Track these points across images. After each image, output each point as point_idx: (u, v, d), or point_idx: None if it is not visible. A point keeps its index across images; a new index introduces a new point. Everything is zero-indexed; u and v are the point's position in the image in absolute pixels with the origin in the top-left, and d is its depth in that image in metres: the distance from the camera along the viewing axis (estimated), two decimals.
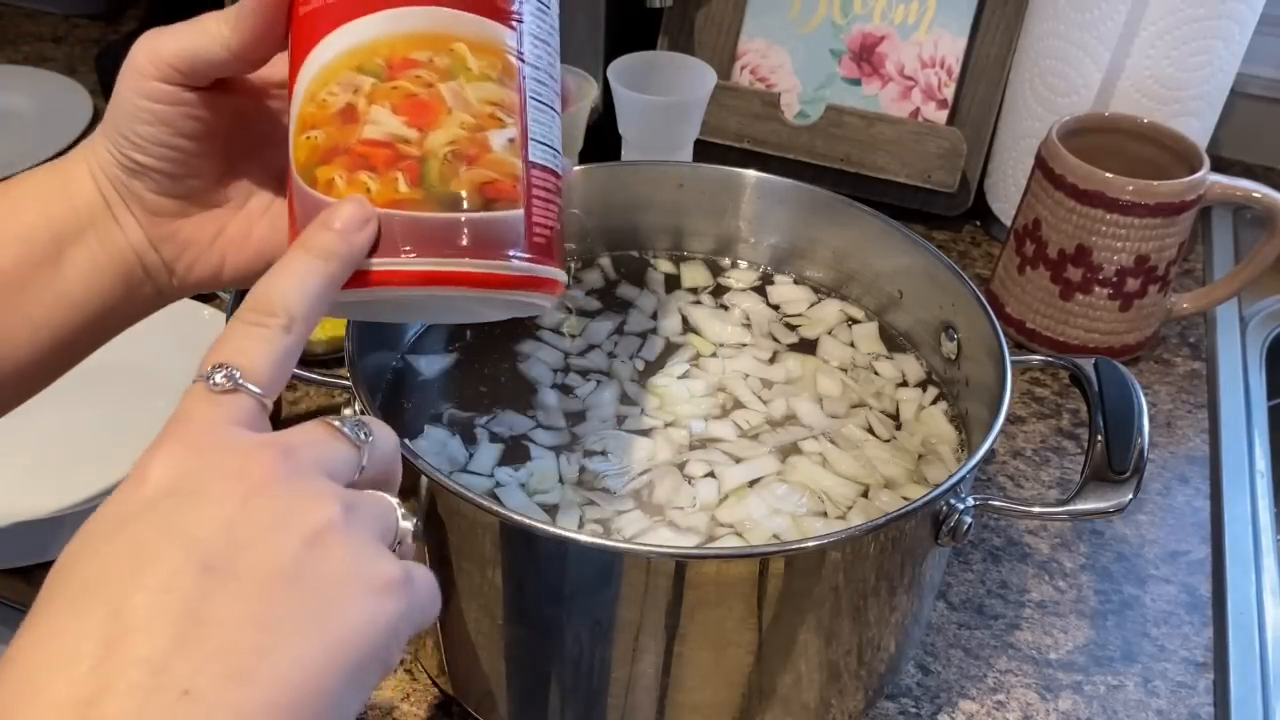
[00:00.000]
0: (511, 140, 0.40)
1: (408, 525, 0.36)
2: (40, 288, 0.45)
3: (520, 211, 0.40)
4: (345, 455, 0.35)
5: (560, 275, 0.42)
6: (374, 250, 0.39)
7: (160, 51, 0.43)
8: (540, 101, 0.42)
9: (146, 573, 0.30)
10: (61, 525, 0.61)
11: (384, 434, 0.37)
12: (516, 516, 0.45)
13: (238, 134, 0.47)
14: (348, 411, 0.54)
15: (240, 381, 0.34)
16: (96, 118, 1.01)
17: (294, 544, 0.31)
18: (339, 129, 0.39)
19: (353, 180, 0.39)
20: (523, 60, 0.41)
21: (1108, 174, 0.75)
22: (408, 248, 0.39)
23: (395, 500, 0.36)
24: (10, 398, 0.47)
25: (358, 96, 0.39)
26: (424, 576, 0.35)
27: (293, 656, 0.30)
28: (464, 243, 0.39)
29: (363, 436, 0.36)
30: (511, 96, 0.40)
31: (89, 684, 0.28)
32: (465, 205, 0.39)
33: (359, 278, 0.39)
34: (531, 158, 0.41)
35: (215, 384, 0.34)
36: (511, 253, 0.40)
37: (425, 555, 0.51)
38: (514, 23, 0.41)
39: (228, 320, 0.56)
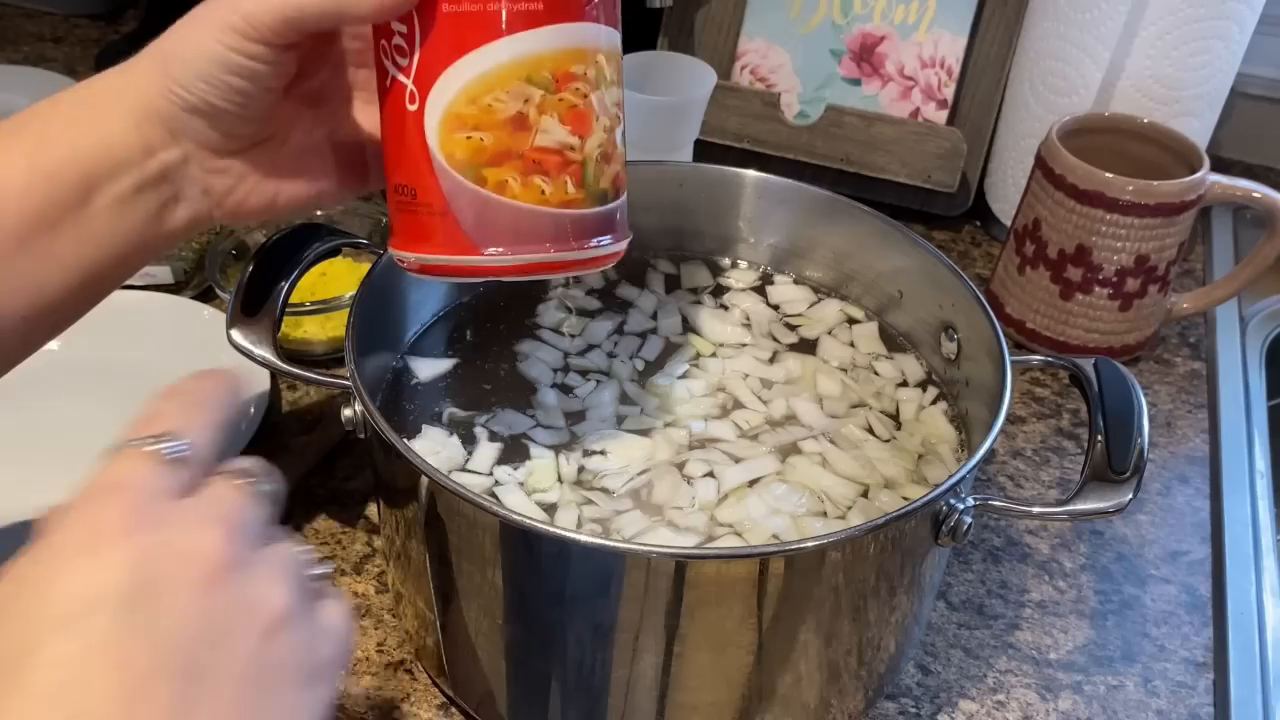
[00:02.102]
0: (623, 133, 0.48)
1: (319, 570, 0.36)
2: (69, 227, 0.45)
3: (625, 194, 0.49)
4: (264, 513, 0.35)
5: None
6: (545, 239, 0.46)
7: (261, 16, 0.43)
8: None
9: (119, 680, 0.28)
10: None
11: (275, 473, 0.37)
12: (516, 517, 0.45)
13: (305, 71, 0.48)
14: (348, 412, 0.54)
15: (182, 454, 0.34)
16: None
17: (253, 640, 0.31)
18: (510, 135, 0.44)
19: (528, 183, 0.45)
20: (621, 60, 0.47)
21: (1108, 174, 0.75)
22: (573, 240, 0.46)
23: (297, 548, 0.36)
24: (42, 335, 0.48)
25: (529, 106, 0.44)
26: (340, 623, 0.36)
27: None
28: (611, 228, 0.48)
29: (269, 488, 0.36)
30: (622, 94, 0.48)
31: None
32: (609, 198, 0.48)
33: (528, 267, 0.46)
34: (628, 145, 0.49)
35: (162, 451, 0.34)
36: (619, 231, 0.49)
37: (425, 556, 0.51)
38: (618, 24, 0.47)
39: (228, 319, 0.57)
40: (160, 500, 0.33)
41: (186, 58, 0.44)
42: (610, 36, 0.46)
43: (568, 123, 0.45)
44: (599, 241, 0.47)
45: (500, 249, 0.46)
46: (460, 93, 0.44)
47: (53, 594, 0.30)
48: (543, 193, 0.45)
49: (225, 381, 0.38)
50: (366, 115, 0.52)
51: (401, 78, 0.45)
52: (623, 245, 0.49)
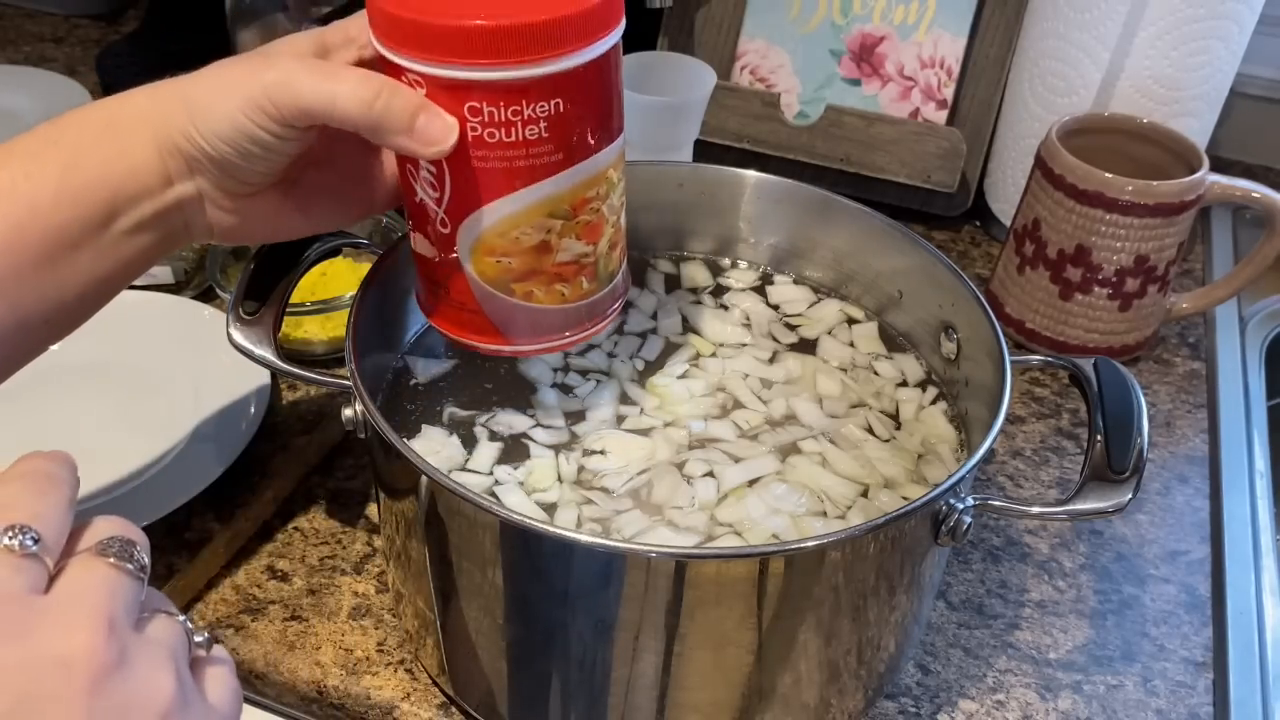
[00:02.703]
0: (622, 206, 0.53)
1: (199, 639, 0.36)
2: (90, 246, 0.46)
3: (625, 255, 0.56)
4: (135, 589, 0.34)
5: None
6: (565, 328, 0.53)
7: (292, 99, 0.44)
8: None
9: None
10: None
11: (138, 535, 0.36)
12: (517, 516, 0.45)
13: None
14: (348, 412, 0.54)
15: (39, 545, 0.32)
16: None
17: None
18: (535, 258, 0.50)
19: (550, 291, 0.51)
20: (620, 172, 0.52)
21: (1107, 174, 0.75)
22: (587, 321, 0.54)
23: (179, 617, 0.35)
24: (55, 333, 0.49)
25: (550, 235, 0.49)
26: (229, 696, 0.35)
27: None
28: (615, 296, 0.56)
29: (135, 558, 0.34)
30: (623, 182, 0.52)
31: None
32: (616, 273, 0.55)
33: (550, 349, 0.55)
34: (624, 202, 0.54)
35: (15, 545, 0.31)
36: (626, 286, 0.57)
37: (425, 555, 0.51)
38: (622, 130, 0.51)
39: (228, 319, 0.57)
40: (22, 602, 0.31)
41: (212, 115, 0.45)
42: (615, 148, 0.50)
43: (584, 238, 0.50)
44: (609, 311, 0.55)
45: (526, 340, 0.53)
46: (489, 229, 0.49)
47: None
48: (563, 295, 0.52)
49: (62, 459, 0.37)
50: (378, 160, 0.54)
51: (432, 206, 0.49)
52: (623, 301, 0.57)
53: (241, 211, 0.50)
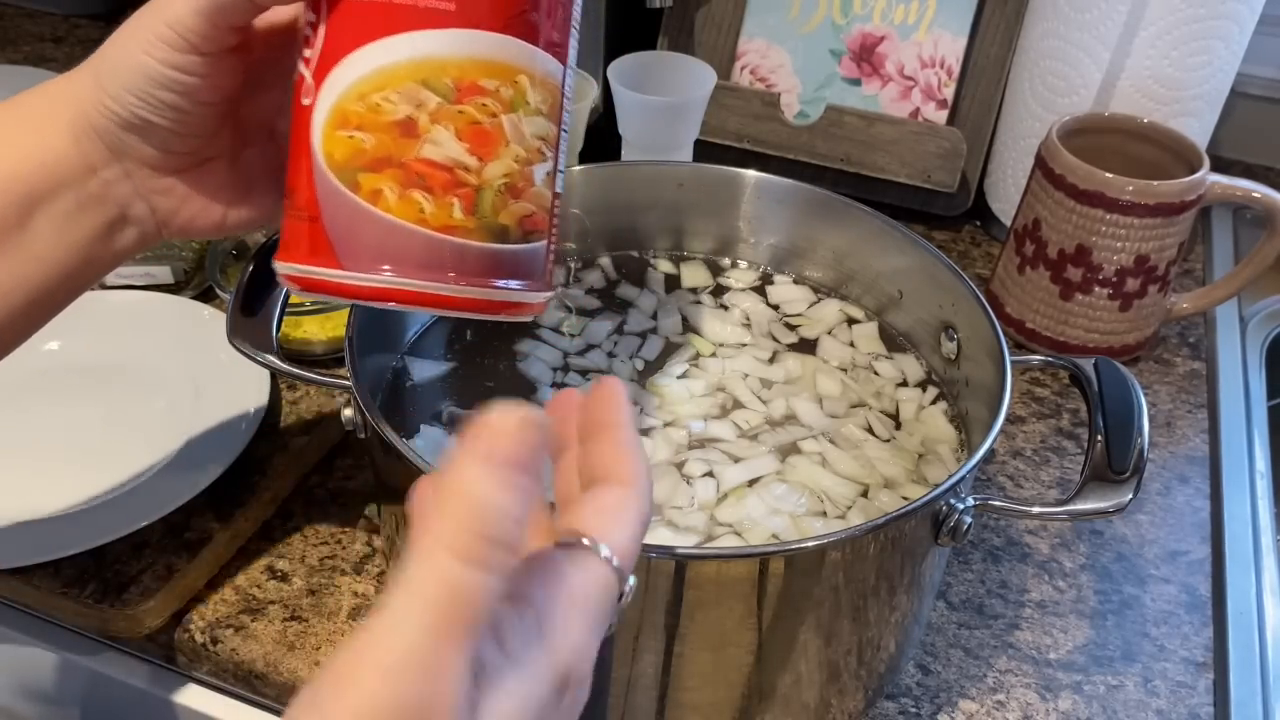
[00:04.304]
0: (549, 174, 0.42)
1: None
2: (10, 248, 0.43)
3: (545, 241, 0.43)
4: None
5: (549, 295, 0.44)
6: (416, 264, 0.39)
7: (184, 19, 0.40)
8: (567, 132, 0.43)
9: None
10: (61, 525, 0.61)
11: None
12: None
13: (256, 87, 0.46)
14: (348, 412, 0.54)
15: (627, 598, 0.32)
16: None
17: None
18: (394, 140, 0.39)
19: (405, 196, 0.39)
20: (566, 96, 0.42)
21: (1108, 174, 0.75)
22: (452, 273, 0.40)
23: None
24: None
25: (420, 112, 0.39)
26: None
27: None
28: (517, 272, 0.41)
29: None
30: (554, 130, 0.42)
31: None
32: (511, 238, 0.41)
33: (394, 293, 0.40)
34: (559, 188, 0.43)
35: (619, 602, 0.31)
36: (535, 279, 0.42)
37: None
38: (565, 58, 0.42)
39: (228, 319, 0.56)
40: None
41: (118, 70, 0.42)
42: (546, 64, 0.41)
43: (465, 139, 0.40)
44: (494, 283, 0.41)
45: (365, 266, 0.40)
46: (351, 87, 0.40)
47: None
48: (421, 210, 0.40)
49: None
50: None
51: (302, 68, 0.41)
52: (536, 298, 0.42)
53: (178, 194, 0.46)
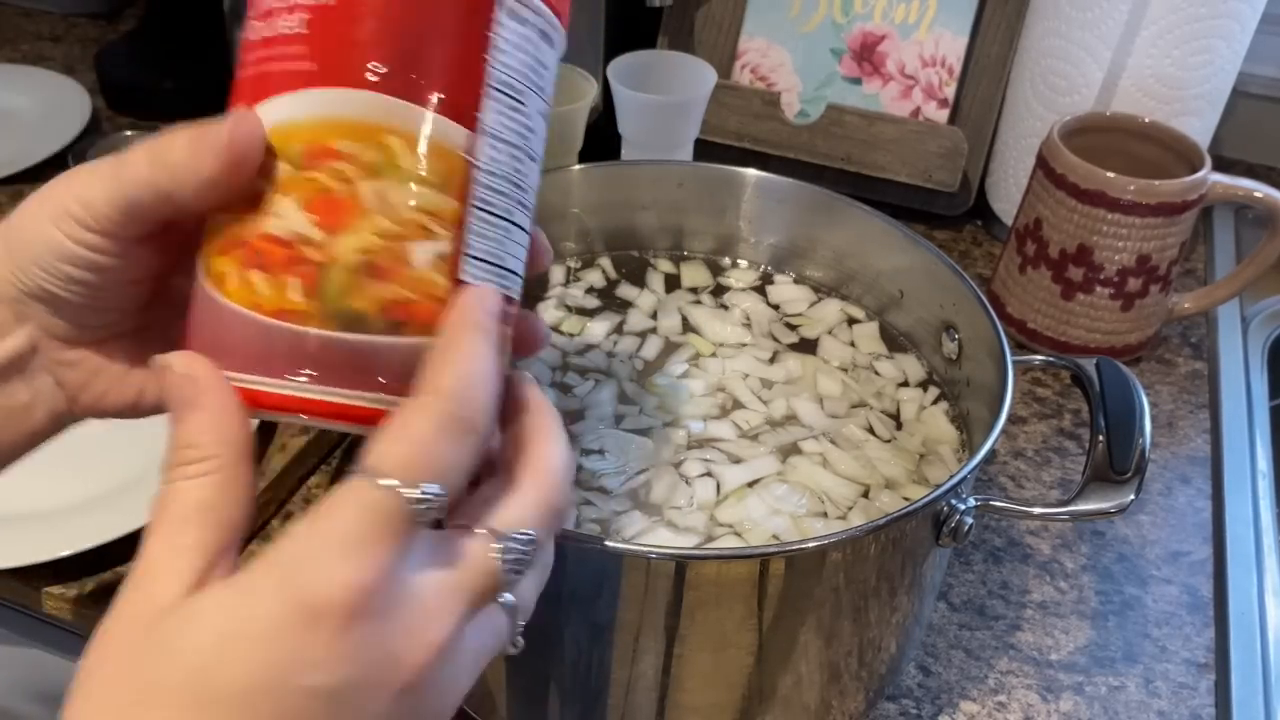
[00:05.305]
0: (441, 255, 0.33)
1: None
2: None
3: (427, 341, 0.33)
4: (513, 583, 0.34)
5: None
6: (253, 357, 0.33)
7: (94, 203, 0.35)
8: (493, 214, 0.35)
9: None
10: (61, 525, 0.61)
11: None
12: None
13: (177, 259, 0.39)
14: None
15: (439, 507, 0.31)
16: (95, 117, 1.01)
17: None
18: (242, 217, 0.34)
19: (243, 279, 0.33)
20: (479, 168, 0.34)
21: (1109, 173, 0.75)
22: (287, 368, 0.33)
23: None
24: None
25: (267, 184, 0.33)
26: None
27: None
28: (369, 374, 0.33)
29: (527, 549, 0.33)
30: (450, 204, 0.34)
31: None
32: (369, 327, 0.33)
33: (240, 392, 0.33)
34: (467, 277, 0.34)
35: (421, 508, 0.30)
36: (404, 382, 0.33)
37: None
38: (474, 123, 0.34)
39: None
40: (400, 576, 0.30)
41: (26, 240, 0.37)
42: (422, 120, 0.34)
43: (313, 210, 0.33)
44: (331, 389, 0.33)
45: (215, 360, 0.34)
46: None
47: (240, 668, 0.28)
48: (253, 292, 0.33)
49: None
50: None
51: None
52: (381, 404, 0.33)
53: (87, 366, 0.40)
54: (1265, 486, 0.74)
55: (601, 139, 0.88)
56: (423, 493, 0.30)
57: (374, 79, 0.33)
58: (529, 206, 0.37)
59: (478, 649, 0.32)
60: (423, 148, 0.33)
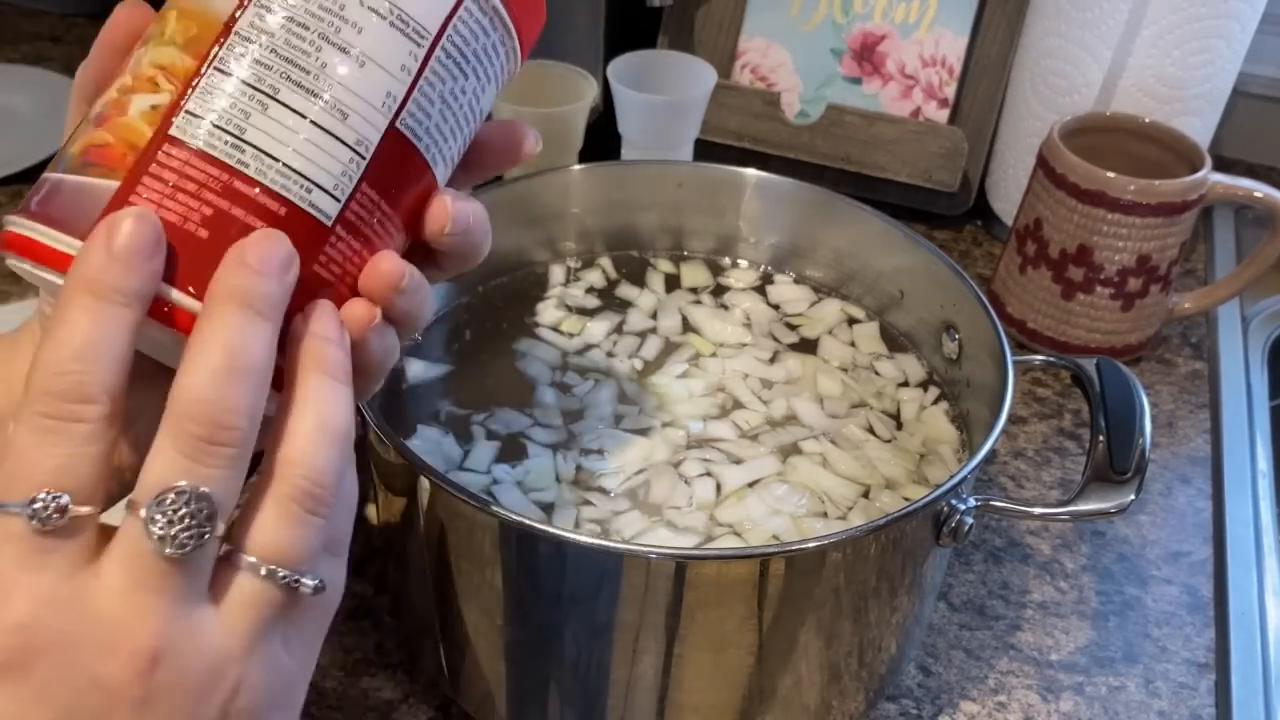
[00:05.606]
0: (154, 107, 0.32)
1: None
2: None
3: (109, 182, 0.32)
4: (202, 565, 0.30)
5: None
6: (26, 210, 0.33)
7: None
8: (236, 78, 0.32)
9: None
10: None
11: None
12: (516, 517, 0.45)
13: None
14: None
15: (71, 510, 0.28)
16: None
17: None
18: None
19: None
20: (233, 28, 0.33)
21: (1109, 173, 0.75)
22: (28, 208, 0.33)
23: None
24: None
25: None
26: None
27: None
28: (39, 206, 0.33)
29: (206, 526, 0.29)
30: (186, 61, 0.33)
31: None
32: (69, 167, 0.33)
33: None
34: (179, 133, 0.32)
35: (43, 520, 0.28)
36: (69, 222, 0.32)
37: (424, 555, 0.51)
38: None
39: None
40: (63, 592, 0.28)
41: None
42: None
43: (108, 82, 0.35)
44: (29, 224, 0.32)
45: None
46: None
47: None
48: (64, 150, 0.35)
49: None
50: None
51: None
52: (58, 243, 0.32)
53: None
54: (1265, 486, 0.74)
55: (601, 139, 0.88)
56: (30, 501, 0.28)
57: None
58: (320, 95, 0.33)
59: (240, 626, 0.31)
60: (189, 14, 0.34)
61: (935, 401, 0.62)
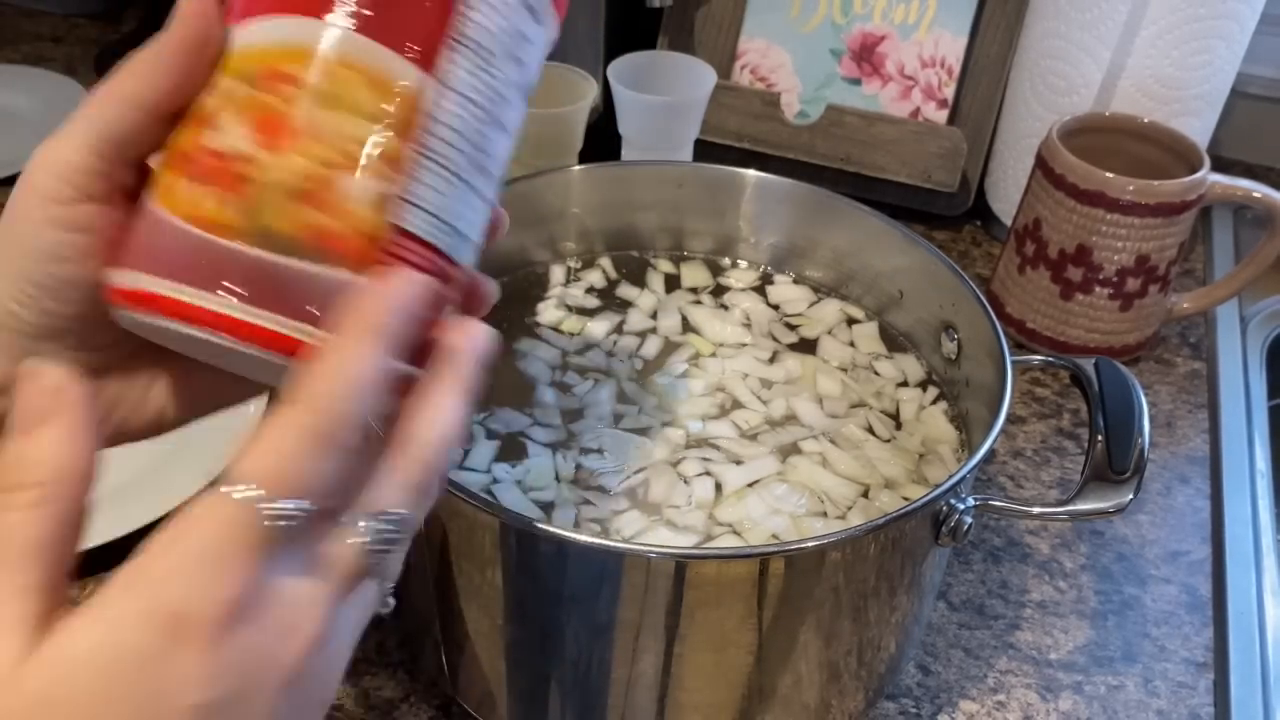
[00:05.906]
0: (378, 194, 0.33)
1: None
2: None
3: (348, 273, 0.32)
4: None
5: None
6: (183, 272, 0.32)
7: (70, 159, 0.34)
8: (445, 169, 0.34)
9: None
10: None
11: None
12: (517, 517, 0.45)
13: None
14: None
15: (303, 517, 0.30)
16: None
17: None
18: (189, 131, 0.34)
19: (181, 190, 0.33)
20: (430, 114, 0.33)
21: (1108, 174, 0.75)
22: (203, 279, 0.32)
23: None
24: None
25: (219, 102, 0.33)
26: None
27: None
28: (287, 299, 0.32)
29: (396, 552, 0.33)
30: (394, 145, 0.33)
31: None
32: (292, 250, 0.32)
33: (154, 300, 0.32)
34: (407, 225, 0.33)
35: (281, 520, 0.30)
36: (315, 315, 0.32)
37: (424, 555, 0.51)
38: (428, 63, 0.34)
39: None
40: (266, 580, 0.29)
41: (13, 257, 0.35)
42: (389, 62, 0.33)
43: (254, 127, 0.33)
44: (255, 310, 0.32)
45: (129, 267, 0.33)
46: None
47: (121, 703, 0.27)
48: (190, 205, 0.33)
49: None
50: None
51: None
52: (300, 334, 0.32)
53: (107, 397, 0.37)
54: (1264, 486, 0.75)
55: (601, 139, 0.88)
56: (281, 507, 0.29)
57: (337, 12, 0.33)
58: (491, 175, 0.35)
59: (352, 625, 0.32)
60: (375, 83, 0.33)
61: (934, 401, 0.62)
